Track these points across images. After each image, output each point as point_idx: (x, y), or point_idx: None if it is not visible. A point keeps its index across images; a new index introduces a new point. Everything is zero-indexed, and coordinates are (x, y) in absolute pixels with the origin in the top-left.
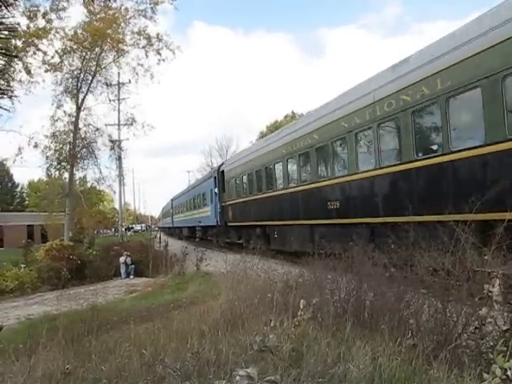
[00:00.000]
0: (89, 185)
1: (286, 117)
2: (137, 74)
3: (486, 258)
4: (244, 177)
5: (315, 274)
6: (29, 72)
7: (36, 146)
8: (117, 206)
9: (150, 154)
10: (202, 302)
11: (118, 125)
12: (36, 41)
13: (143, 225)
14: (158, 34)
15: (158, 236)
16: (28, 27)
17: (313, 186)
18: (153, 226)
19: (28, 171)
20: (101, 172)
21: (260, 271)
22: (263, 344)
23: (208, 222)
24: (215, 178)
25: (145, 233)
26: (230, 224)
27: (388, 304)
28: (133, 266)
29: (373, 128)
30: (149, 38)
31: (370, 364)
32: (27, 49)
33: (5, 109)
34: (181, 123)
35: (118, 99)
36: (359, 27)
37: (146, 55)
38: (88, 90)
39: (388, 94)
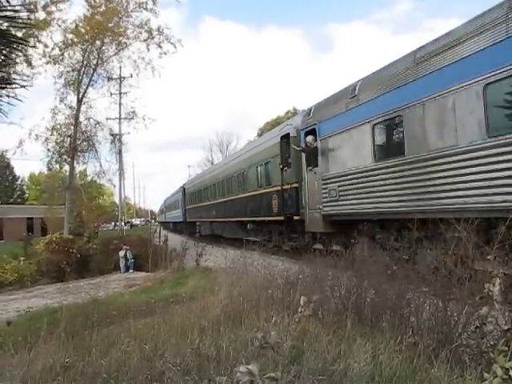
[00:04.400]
0: (89, 178)
1: (287, 113)
2: (138, 67)
3: (488, 257)
4: (195, 192)
5: (316, 270)
6: (30, 64)
7: (37, 137)
8: (117, 200)
9: (151, 148)
10: (201, 297)
11: (119, 118)
12: (36, 32)
13: (142, 219)
14: (158, 27)
15: (158, 231)
16: (28, 19)
17: (226, 198)
18: (152, 221)
19: (29, 164)
20: (101, 165)
21: (260, 267)
22: (264, 340)
23: (179, 219)
24: (182, 191)
25: (144, 227)
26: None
27: (389, 302)
28: (132, 260)
29: (245, 172)
30: (150, 31)
31: (371, 362)
32: (28, 39)
33: (17, 99)
34: (184, 118)
35: (120, 93)
36: (370, 23)
37: (148, 48)
38: (89, 82)
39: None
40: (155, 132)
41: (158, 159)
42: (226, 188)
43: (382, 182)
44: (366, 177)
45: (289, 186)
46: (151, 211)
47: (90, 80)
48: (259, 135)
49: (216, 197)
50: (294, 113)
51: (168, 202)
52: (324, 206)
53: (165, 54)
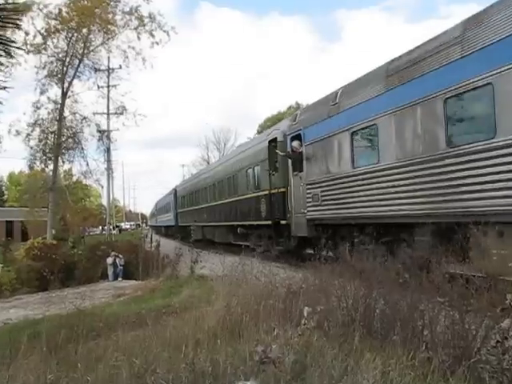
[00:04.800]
0: (74, 178)
1: (289, 108)
2: (127, 57)
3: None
4: (186, 195)
5: (321, 279)
6: (8, 54)
7: (17, 133)
8: (104, 202)
9: (142, 145)
10: (196, 307)
11: (107, 114)
12: (14, 16)
13: (132, 223)
14: (150, 14)
15: (150, 235)
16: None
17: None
18: (143, 225)
19: (8, 162)
20: (88, 165)
21: (260, 275)
22: (264, 355)
23: (171, 223)
24: (174, 194)
25: (134, 231)
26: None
27: (400, 313)
28: (121, 267)
29: (235, 175)
30: (141, 18)
31: (381, 379)
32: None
33: None
34: (178, 113)
35: (108, 86)
36: (381, 10)
37: (138, 37)
38: (75, 74)
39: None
40: (147, 128)
41: (150, 158)
42: (216, 191)
43: (358, 188)
44: (345, 182)
45: (276, 191)
46: (142, 214)
47: (76, 71)
48: (259, 132)
49: (207, 200)
50: (297, 108)
51: (159, 204)
52: (308, 211)
53: (157, 43)
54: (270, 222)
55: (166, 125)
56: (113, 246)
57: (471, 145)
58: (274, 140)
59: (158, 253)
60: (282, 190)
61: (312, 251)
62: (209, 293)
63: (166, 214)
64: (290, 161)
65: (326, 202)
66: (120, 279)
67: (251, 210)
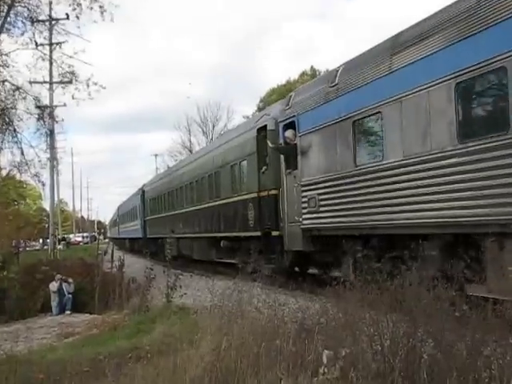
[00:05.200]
0: (4, 173)
1: (302, 75)
2: (79, 4)
3: None
4: (157, 197)
5: (346, 310)
6: None
7: None
8: (47, 205)
9: (101, 129)
10: (175, 351)
11: (50, 83)
12: None
13: (86, 234)
14: None
15: (110, 251)
16: None
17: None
18: (101, 237)
19: None
20: (23, 153)
21: (263, 306)
22: None
23: (137, 234)
24: (141, 195)
25: (89, 246)
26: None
27: (458, 360)
28: (70, 295)
29: (217, 172)
30: None
31: None
32: None
33: None
34: (150, 85)
35: (50, 43)
36: None
37: None
38: (2, 26)
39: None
40: (107, 105)
41: (112, 146)
42: (195, 193)
43: (360, 191)
44: (346, 184)
45: (266, 193)
46: (99, 223)
47: (4, 22)
48: (260, 109)
49: (183, 205)
50: (312, 76)
51: (123, 209)
52: (304, 219)
53: None
54: (259, 234)
55: (133, 100)
56: (58, 267)
57: None
58: (264, 128)
59: (122, 275)
60: (274, 192)
61: (316, 271)
62: (192, 330)
63: (131, 222)
64: (282, 156)
65: (324, 208)
66: (68, 312)
67: (237, 217)
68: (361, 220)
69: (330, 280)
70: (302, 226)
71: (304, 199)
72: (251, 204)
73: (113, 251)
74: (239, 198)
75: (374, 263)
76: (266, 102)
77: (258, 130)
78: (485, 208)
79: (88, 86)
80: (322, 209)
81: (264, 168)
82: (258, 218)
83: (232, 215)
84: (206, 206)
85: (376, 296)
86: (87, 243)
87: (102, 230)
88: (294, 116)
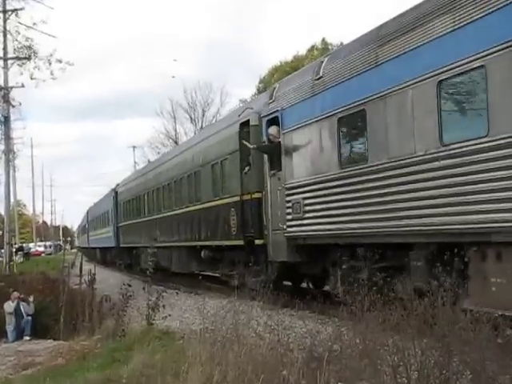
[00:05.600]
0: None
1: (311, 50)
2: None
3: None
4: (131, 200)
5: (364, 335)
6: None
7: None
8: (1, 208)
9: (68, 116)
10: None
11: (4, 59)
12: None
13: (50, 243)
14: None
15: (79, 264)
16: None
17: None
18: (68, 246)
19: None
20: None
21: (264, 330)
22: None
23: (109, 243)
24: (114, 197)
25: (52, 257)
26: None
27: None
28: (29, 318)
29: (197, 172)
30: None
31: None
32: None
33: None
34: (127, 63)
35: (4, 11)
36: None
37: None
38: None
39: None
40: (75, 87)
41: (81, 136)
42: (173, 196)
43: (344, 196)
44: (330, 187)
45: (249, 197)
46: (66, 229)
47: None
48: (260, 91)
49: (160, 209)
50: (324, 50)
51: (93, 213)
52: (288, 226)
53: None
54: (242, 242)
55: (107, 81)
56: (15, 283)
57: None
58: (247, 123)
59: (93, 293)
60: (257, 195)
61: (312, 286)
62: (177, 359)
63: (103, 229)
64: (266, 155)
65: (309, 215)
66: (27, 338)
67: (219, 224)
68: (346, 228)
69: (344, 298)
70: (287, 234)
71: (288, 204)
72: (233, 209)
73: (81, 263)
74: (221, 201)
75: (360, 275)
76: (267, 83)
77: (240, 124)
78: (462, 216)
79: (50, 63)
80: (306, 215)
81: (247, 168)
82: (241, 224)
83: (213, 221)
84: (186, 210)
85: (401, 318)
86: (50, 254)
87: (69, 238)
88: (277, 111)
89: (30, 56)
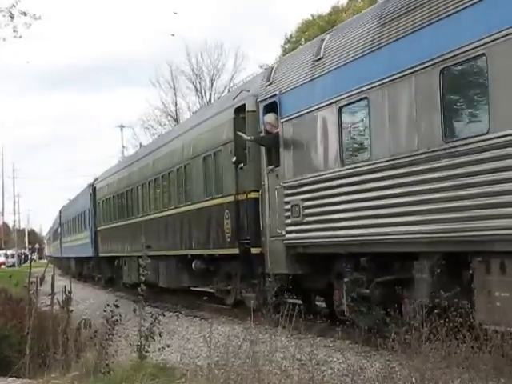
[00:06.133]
0: None
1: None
2: None
3: None
4: (112, 197)
5: (422, 373)
6: None
7: None
8: None
9: (40, 85)
10: None
11: None
12: None
13: (12, 252)
14: None
15: (50, 279)
16: None
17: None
18: (34, 256)
19: None
20: None
21: (291, 366)
22: None
23: (86, 252)
24: (92, 194)
25: (15, 270)
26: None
27: None
28: None
29: (187, 166)
30: None
31: None
32: None
33: None
34: (115, 16)
35: None
36: None
37: None
38: None
39: None
40: (48, 49)
41: (55, 112)
42: (160, 194)
43: (347, 198)
44: (332, 187)
45: (245, 196)
46: (32, 234)
47: None
48: (285, 52)
49: (145, 210)
50: (371, 0)
51: (66, 215)
52: (288, 231)
53: None
54: (237, 251)
55: (86, 41)
56: None
57: None
58: (243, 108)
59: (68, 317)
60: (254, 195)
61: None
62: None
63: (78, 234)
64: (263, 148)
65: (309, 219)
66: None
67: (211, 229)
68: (348, 234)
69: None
70: (286, 241)
71: (287, 206)
72: (227, 211)
73: (53, 278)
74: (213, 202)
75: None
76: (295, 43)
77: (235, 110)
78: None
79: (12, 16)
80: (306, 219)
81: (242, 162)
82: (236, 230)
83: (206, 226)
84: (174, 212)
85: (471, 350)
86: (13, 266)
87: (37, 246)
88: (275, 95)
89: None
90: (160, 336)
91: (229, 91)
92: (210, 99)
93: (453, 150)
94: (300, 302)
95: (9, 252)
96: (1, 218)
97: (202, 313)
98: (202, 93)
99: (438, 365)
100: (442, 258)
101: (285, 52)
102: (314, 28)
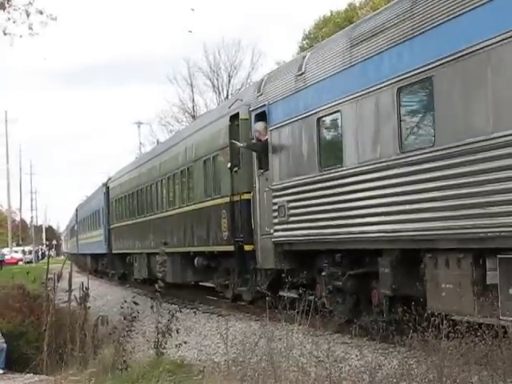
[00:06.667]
0: None
1: None
2: None
3: None
4: (124, 197)
5: (440, 370)
6: None
7: None
8: None
9: (57, 83)
10: None
11: None
12: None
13: (29, 248)
14: None
15: (68, 275)
16: None
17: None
18: (53, 252)
19: None
20: None
21: (308, 362)
22: None
23: (100, 248)
24: (105, 193)
25: (33, 267)
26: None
27: None
28: (5, 345)
29: (190, 168)
30: None
31: None
32: None
33: None
34: (132, 14)
35: None
36: None
37: None
38: None
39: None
40: (65, 48)
41: (72, 109)
42: (165, 194)
43: (323, 200)
44: (311, 190)
45: (239, 198)
46: (50, 231)
47: None
48: (302, 49)
49: (153, 209)
50: None
51: (82, 212)
52: (275, 230)
53: None
54: (232, 248)
55: (104, 39)
56: None
57: None
58: (237, 116)
59: (86, 313)
60: (247, 196)
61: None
62: None
63: (93, 231)
64: (255, 153)
65: (293, 218)
66: (0, 371)
67: (211, 227)
68: (326, 233)
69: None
70: (273, 239)
71: (274, 207)
72: (224, 211)
73: (71, 275)
74: (212, 202)
75: (337, 282)
76: (313, 40)
77: (230, 117)
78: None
79: (28, 14)
80: (291, 219)
81: (237, 166)
82: (231, 228)
83: (206, 225)
84: (179, 211)
85: (490, 348)
86: (31, 262)
87: (55, 242)
88: (264, 105)
89: (2, 4)
90: (177, 333)
91: (246, 88)
92: (227, 96)
93: (406, 159)
94: (296, 296)
95: (26, 248)
96: (18, 215)
97: (219, 309)
98: (219, 89)
99: (456, 362)
100: (400, 255)
101: (302, 49)
102: (332, 24)
